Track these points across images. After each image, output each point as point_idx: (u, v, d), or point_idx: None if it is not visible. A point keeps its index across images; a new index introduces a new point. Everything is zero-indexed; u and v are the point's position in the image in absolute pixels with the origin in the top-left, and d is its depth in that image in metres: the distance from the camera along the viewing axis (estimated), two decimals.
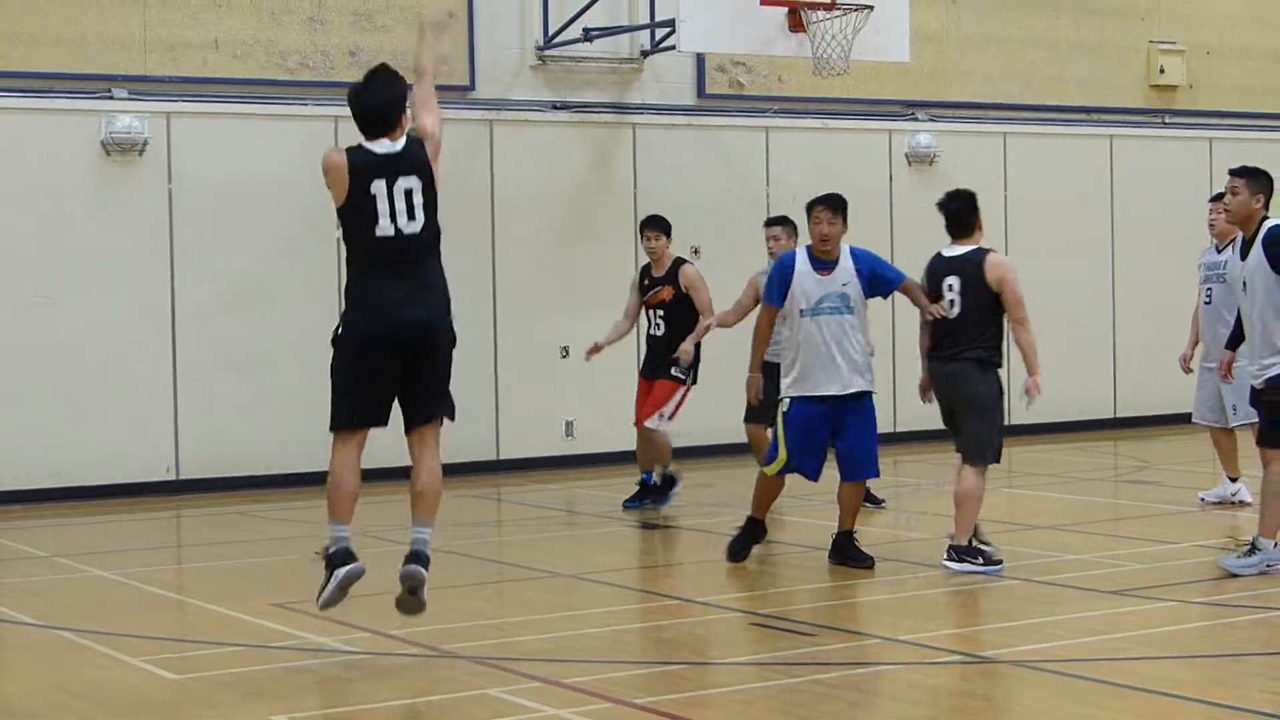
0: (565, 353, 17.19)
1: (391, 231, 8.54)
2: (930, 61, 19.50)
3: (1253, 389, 10.79)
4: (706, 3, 15.72)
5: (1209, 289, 13.75)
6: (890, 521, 13.88)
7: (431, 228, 8.64)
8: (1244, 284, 10.68)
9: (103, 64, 16.01)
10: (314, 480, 16.16)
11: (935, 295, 11.30)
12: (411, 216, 8.58)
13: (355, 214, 8.59)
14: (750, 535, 11.68)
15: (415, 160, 8.65)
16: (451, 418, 8.80)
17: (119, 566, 12.03)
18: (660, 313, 14.08)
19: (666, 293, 14.02)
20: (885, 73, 19.00)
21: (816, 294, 11.20)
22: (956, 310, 11.15)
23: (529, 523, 14.33)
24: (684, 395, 14.06)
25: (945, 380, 11.24)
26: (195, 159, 16.22)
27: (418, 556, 8.65)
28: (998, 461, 11.28)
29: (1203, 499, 14.03)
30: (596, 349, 14.37)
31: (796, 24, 16.04)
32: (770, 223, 14.08)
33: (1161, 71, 21.10)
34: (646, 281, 14.17)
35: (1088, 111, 20.78)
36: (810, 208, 11.44)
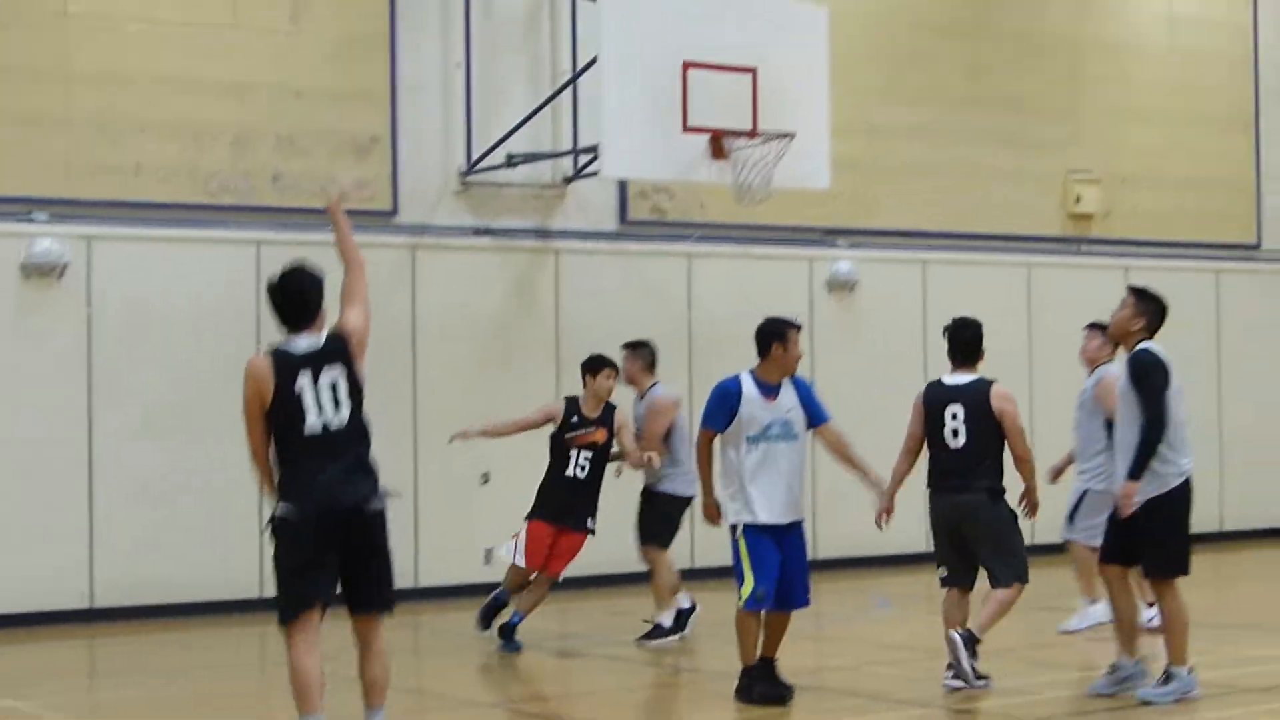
0: (485, 479, 17.10)
1: (319, 428, 8.73)
2: (851, 189, 19.65)
3: (1118, 515, 10.69)
4: (629, 129, 15.81)
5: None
6: (814, 650, 13.83)
7: (358, 419, 8.83)
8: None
9: (23, 186, 15.94)
10: (232, 608, 16.07)
11: (936, 424, 11.51)
12: (337, 409, 8.79)
13: (283, 412, 8.72)
14: (769, 682, 11.15)
15: (337, 353, 8.90)
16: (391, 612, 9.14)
17: (29, 696, 11.83)
18: (588, 454, 13.69)
19: (600, 435, 13.71)
20: (806, 200, 19.11)
21: (764, 420, 11.15)
22: (961, 441, 11.40)
23: (447, 651, 14.21)
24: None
25: (956, 511, 11.38)
26: (116, 282, 16.14)
27: None
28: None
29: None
30: (464, 435, 13.99)
31: (718, 151, 16.14)
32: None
33: (1078, 200, 21.36)
34: (575, 419, 13.69)
35: (1006, 239, 20.98)
36: (786, 330, 11.35)
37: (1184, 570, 10.68)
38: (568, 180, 18.18)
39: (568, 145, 17.92)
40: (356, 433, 8.81)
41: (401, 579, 16.87)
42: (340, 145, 17.19)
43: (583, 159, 17.68)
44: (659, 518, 13.91)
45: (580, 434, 13.66)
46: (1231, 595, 16.86)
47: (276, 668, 12.87)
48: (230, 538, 16.27)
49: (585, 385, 13.82)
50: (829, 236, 19.76)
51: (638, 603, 16.15)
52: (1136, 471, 10.46)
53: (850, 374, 18.94)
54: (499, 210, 17.97)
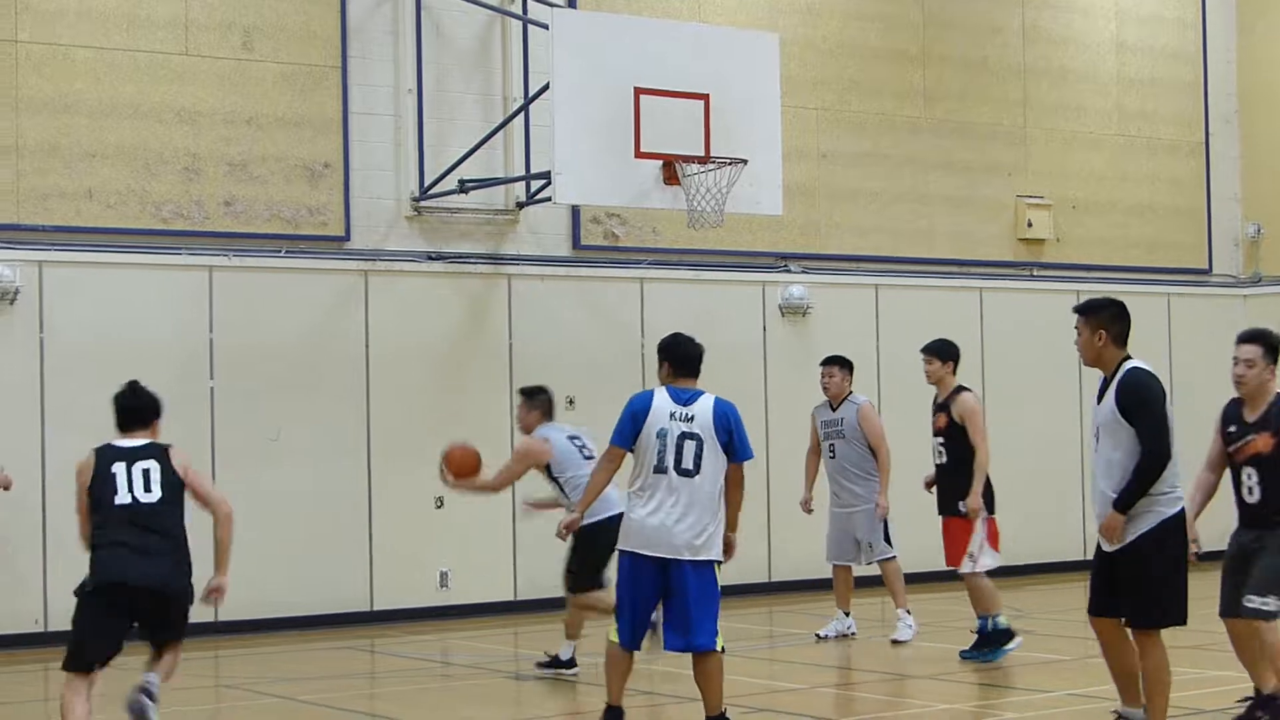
0: (440, 503, 17.11)
1: (129, 499, 10.10)
2: (803, 215, 19.75)
3: (1102, 554, 9.61)
4: (582, 155, 15.84)
5: (831, 444, 15.31)
6: (768, 672, 13.86)
7: (168, 500, 10.07)
8: (1096, 430, 9.67)
9: None
10: (189, 631, 15.99)
11: None
12: (148, 489, 10.09)
13: (97, 489, 10.28)
14: None
15: (154, 452, 10.40)
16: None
17: None
18: (940, 440, 14.14)
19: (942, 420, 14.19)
20: (758, 225, 19.21)
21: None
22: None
23: (403, 675, 14.19)
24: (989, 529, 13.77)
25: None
26: (67, 309, 16.11)
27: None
28: None
29: (821, 635, 15.20)
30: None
31: (671, 177, 16.18)
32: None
33: (1029, 225, 21.48)
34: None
35: (958, 264, 21.09)
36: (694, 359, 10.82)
37: (1182, 618, 9.56)
38: (520, 206, 18.22)
39: (520, 171, 17.96)
40: (165, 509, 10.10)
41: (356, 603, 16.99)
42: (292, 171, 17.20)
43: (535, 185, 17.72)
44: (584, 559, 13.55)
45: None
46: (1194, 616, 16.90)
47: (230, 690, 12.86)
48: None
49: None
50: (781, 262, 19.82)
51: (592, 625, 16.17)
52: (1126, 504, 9.37)
53: (803, 398, 18.94)
54: (451, 236, 17.98)
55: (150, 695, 9.90)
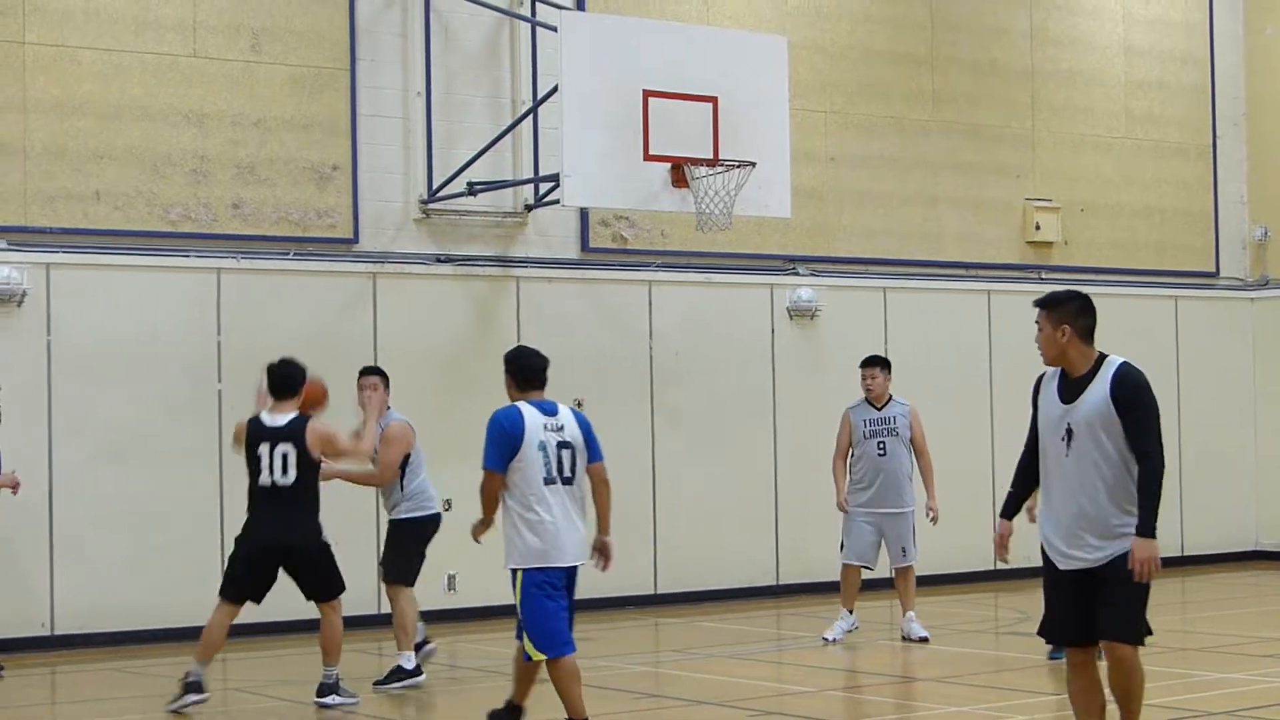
0: (448, 506, 17.05)
1: (269, 482, 12.03)
2: (811, 217, 19.73)
3: (1069, 576, 8.74)
4: (590, 158, 15.84)
5: (881, 442, 15.33)
6: (776, 675, 13.85)
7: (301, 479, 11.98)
8: (1067, 432, 8.76)
9: None
10: (192, 635, 15.98)
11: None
12: (285, 473, 11.98)
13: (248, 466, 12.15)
14: None
15: (294, 433, 12.01)
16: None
17: None
18: None
19: None
20: (767, 228, 19.20)
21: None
22: None
23: None
24: None
25: None
26: (75, 311, 16.11)
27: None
28: None
29: (828, 639, 15.15)
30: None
31: (680, 180, 16.18)
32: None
33: (1037, 228, 21.46)
34: None
35: (966, 267, 21.07)
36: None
37: (1148, 630, 8.89)
38: (529, 208, 18.21)
39: (529, 173, 17.95)
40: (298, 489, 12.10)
41: (364, 606, 16.96)
42: (301, 174, 17.20)
43: (544, 187, 17.71)
44: (402, 551, 13.57)
45: None
46: (1192, 619, 16.92)
47: (238, 693, 12.88)
48: (191, 564, 16.23)
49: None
50: (790, 264, 19.81)
51: (600, 628, 16.16)
52: (1152, 523, 8.50)
53: (811, 401, 18.99)
54: (460, 238, 17.98)
55: (334, 690, 12.22)
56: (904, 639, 15.10)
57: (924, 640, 14.96)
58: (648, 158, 16.05)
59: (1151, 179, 22.59)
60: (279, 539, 12.05)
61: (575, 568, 10.35)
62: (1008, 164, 21.47)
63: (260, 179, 17.02)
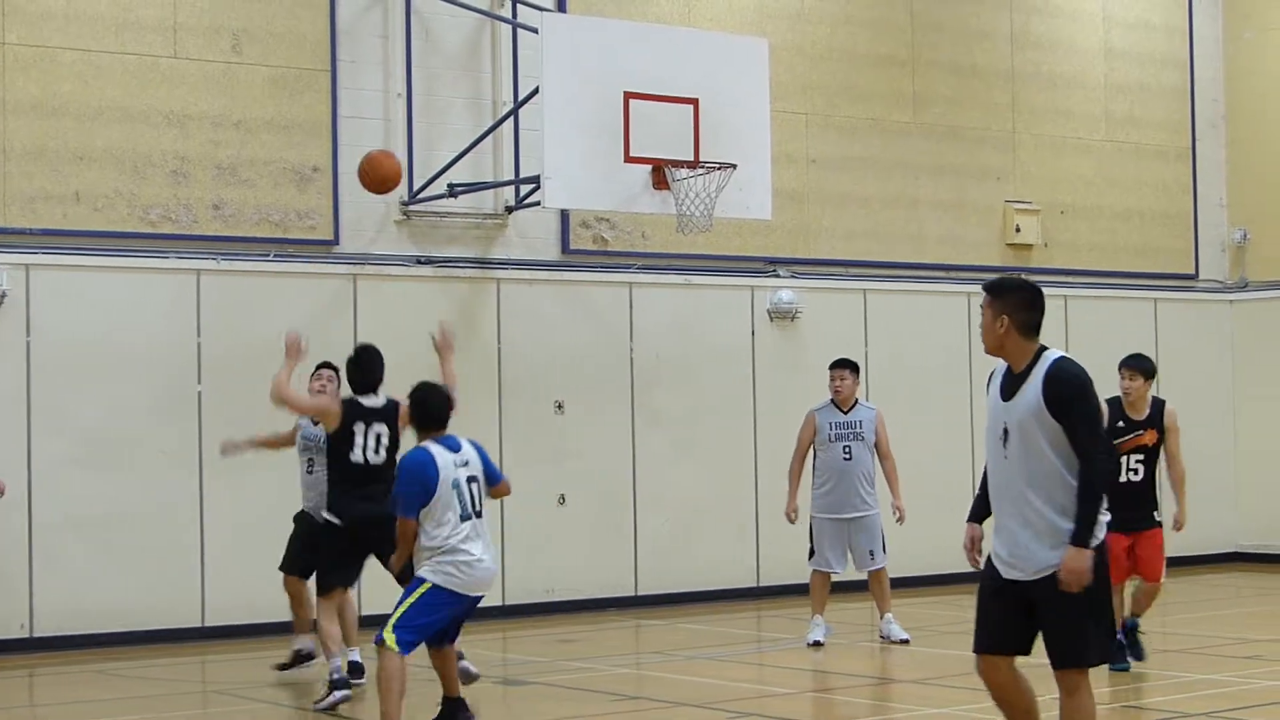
0: None
1: (362, 459, 12.58)
2: (792, 219, 19.75)
3: (1004, 584, 8.08)
4: (571, 160, 15.84)
5: (846, 446, 15.24)
6: (757, 676, 13.85)
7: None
8: (1004, 432, 8.12)
9: None
10: (171, 637, 16.00)
11: None
12: (377, 452, 12.60)
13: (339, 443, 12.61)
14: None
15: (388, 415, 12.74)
16: None
17: None
18: (1139, 456, 13.65)
19: (1150, 436, 13.76)
20: (747, 230, 19.20)
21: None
22: None
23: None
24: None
25: None
26: (55, 312, 16.07)
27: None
28: None
29: (816, 642, 15.01)
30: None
31: (660, 181, 16.19)
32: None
33: (1018, 230, 21.49)
34: (1121, 424, 13.65)
35: (946, 269, 21.10)
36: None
37: (1108, 654, 8.39)
38: (509, 210, 18.20)
39: (509, 175, 17.95)
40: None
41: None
42: (281, 175, 17.17)
43: (524, 189, 17.70)
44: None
45: (1131, 438, 13.79)
46: (1172, 621, 16.94)
47: (219, 695, 12.85)
48: (170, 567, 16.22)
49: None
50: (770, 266, 19.82)
51: (581, 630, 16.16)
52: (1088, 532, 7.79)
53: (791, 403, 18.96)
54: (440, 240, 17.97)
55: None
56: (883, 640, 15.10)
57: (904, 642, 14.96)
58: (628, 159, 16.06)
59: (1131, 181, 22.63)
60: (372, 512, 12.18)
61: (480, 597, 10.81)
62: (988, 166, 21.50)
63: (241, 180, 16.99)
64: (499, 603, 17.33)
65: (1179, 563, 21.85)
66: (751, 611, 18.26)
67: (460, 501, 10.62)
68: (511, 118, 17.76)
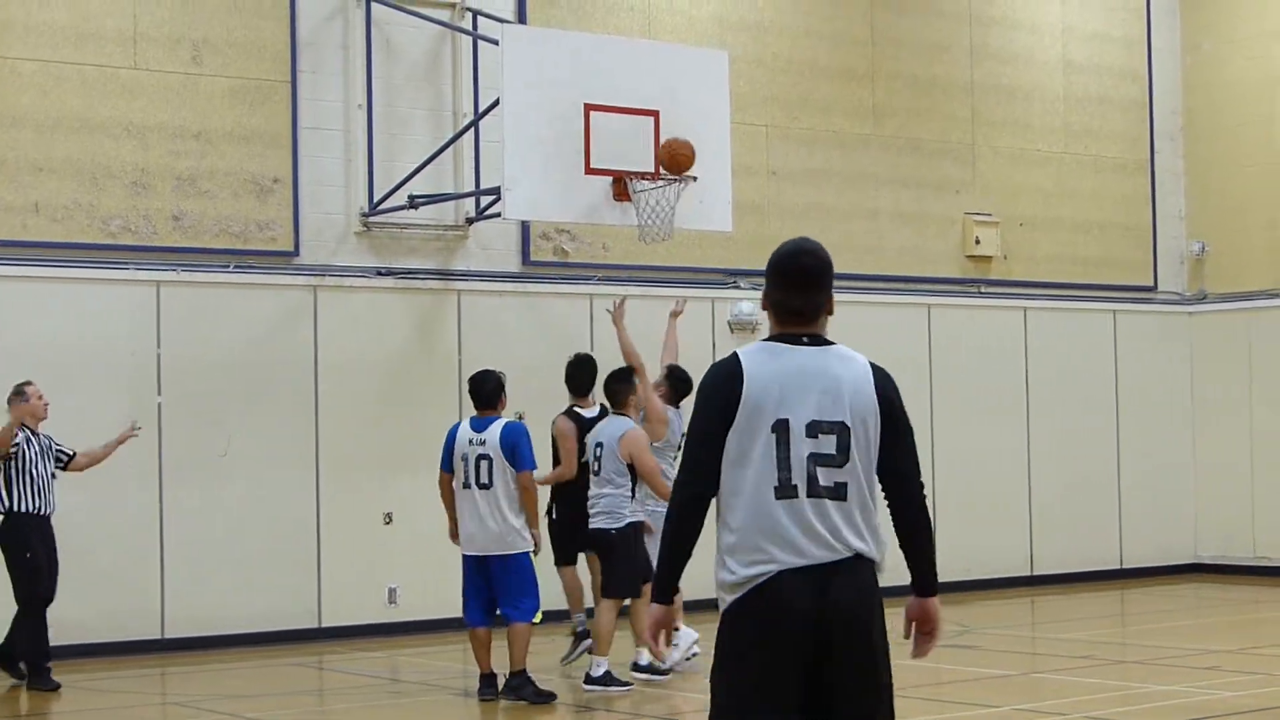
0: (389, 519, 17.09)
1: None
2: (752, 231, 19.75)
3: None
4: (531, 171, 15.85)
5: None
6: None
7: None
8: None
9: None
10: (130, 649, 15.93)
11: None
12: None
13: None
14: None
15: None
16: None
17: None
18: None
19: None
20: (708, 241, 19.23)
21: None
22: None
23: (351, 692, 14.15)
24: None
25: None
26: (13, 323, 16.01)
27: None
28: None
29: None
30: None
31: (621, 193, 16.19)
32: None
33: (977, 242, 21.56)
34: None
35: (906, 280, 21.15)
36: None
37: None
38: (470, 221, 18.20)
39: (470, 187, 17.95)
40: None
41: (304, 618, 16.93)
42: (241, 186, 17.15)
43: (485, 200, 17.71)
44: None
45: None
46: (1131, 632, 17.02)
47: (179, 708, 12.83)
48: (129, 579, 16.16)
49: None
50: (730, 278, 19.85)
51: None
52: (932, 576, 6.49)
53: None
54: (401, 251, 17.96)
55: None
56: None
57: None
58: (589, 171, 16.06)
59: (1090, 194, 22.73)
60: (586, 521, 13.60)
61: (484, 557, 12.76)
62: (948, 178, 21.58)
63: (200, 191, 16.96)
64: (460, 614, 17.32)
65: (1138, 574, 21.98)
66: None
67: (465, 472, 12.78)
68: (472, 129, 17.77)
